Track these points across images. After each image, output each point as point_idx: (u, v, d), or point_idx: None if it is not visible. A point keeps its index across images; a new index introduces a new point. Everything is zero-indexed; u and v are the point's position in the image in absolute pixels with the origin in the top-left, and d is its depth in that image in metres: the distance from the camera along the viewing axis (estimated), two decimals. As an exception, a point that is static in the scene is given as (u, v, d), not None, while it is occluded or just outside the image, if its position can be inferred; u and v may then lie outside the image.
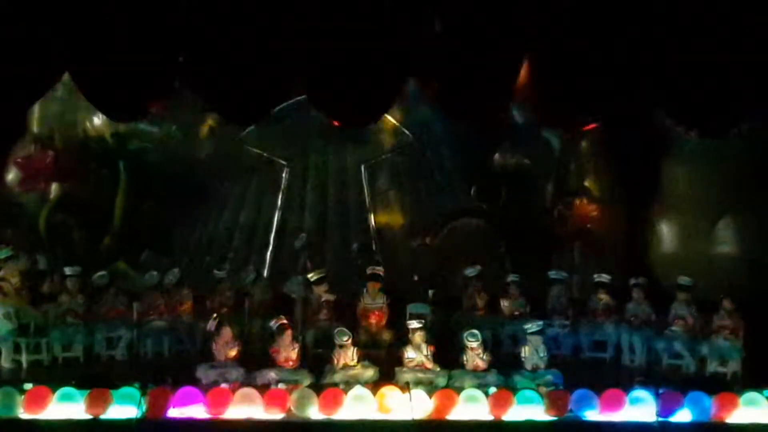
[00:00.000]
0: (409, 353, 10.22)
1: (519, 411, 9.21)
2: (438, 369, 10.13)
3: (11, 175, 15.74)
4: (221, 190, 16.43)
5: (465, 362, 10.12)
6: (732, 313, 11.67)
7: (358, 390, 9.35)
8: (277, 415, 9.17)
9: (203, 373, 10.03)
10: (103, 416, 9.01)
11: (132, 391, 9.11)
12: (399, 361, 10.30)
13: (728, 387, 10.05)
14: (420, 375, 9.96)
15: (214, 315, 11.23)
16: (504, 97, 12.10)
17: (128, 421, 8.92)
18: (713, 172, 14.70)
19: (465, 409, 9.20)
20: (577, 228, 16.10)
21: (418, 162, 16.51)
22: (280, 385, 9.69)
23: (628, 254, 15.46)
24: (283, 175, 16.37)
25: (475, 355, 10.11)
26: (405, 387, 9.43)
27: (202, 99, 12.56)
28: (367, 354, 10.97)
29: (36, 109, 15.60)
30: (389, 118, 15.76)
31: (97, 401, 9.04)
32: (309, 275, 13.18)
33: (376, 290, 12.49)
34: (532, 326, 10.48)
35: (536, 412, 9.22)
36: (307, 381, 9.87)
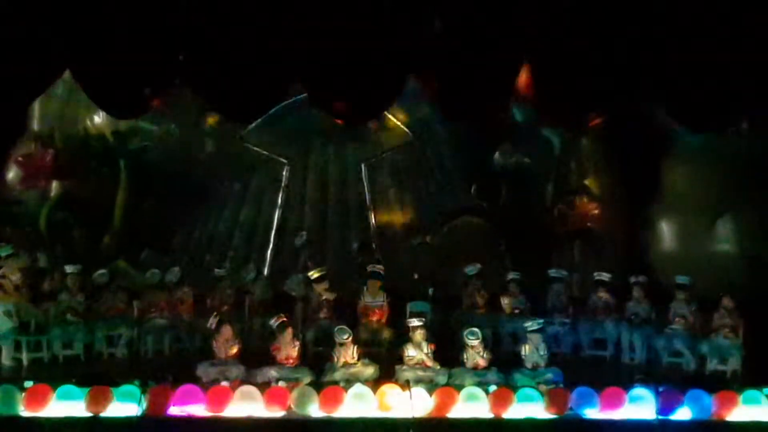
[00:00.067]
0: (410, 351, 10.22)
1: (519, 409, 9.21)
2: (438, 367, 10.12)
3: (12, 174, 15.75)
4: (222, 188, 16.43)
5: (465, 360, 10.12)
6: (732, 311, 11.67)
7: (358, 388, 9.35)
8: (277, 413, 9.17)
9: (204, 371, 10.03)
10: (103, 414, 9.01)
11: (132, 388, 9.10)
12: (399, 359, 10.30)
13: (728, 385, 10.05)
14: (420, 373, 9.94)
15: (215, 313, 11.22)
16: (504, 96, 12.12)
17: (129, 418, 8.93)
18: (712, 171, 14.71)
19: (465, 407, 9.20)
20: (577, 226, 16.10)
21: (419, 161, 16.52)
22: (281, 383, 9.70)
23: (628, 252, 15.46)
24: (284, 173, 16.38)
25: (475, 353, 10.11)
26: (405, 385, 9.42)
27: (202, 97, 12.56)
28: (367, 352, 11.00)
29: (36, 108, 15.62)
30: (390, 116, 15.77)
31: (98, 399, 9.03)
32: (309, 273, 13.17)
33: (377, 288, 12.46)
34: (532, 324, 10.48)
35: (536, 410, 9.22)
36: (307, 379, 9.87)
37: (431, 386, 9.56)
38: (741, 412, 9.28)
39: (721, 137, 13.78)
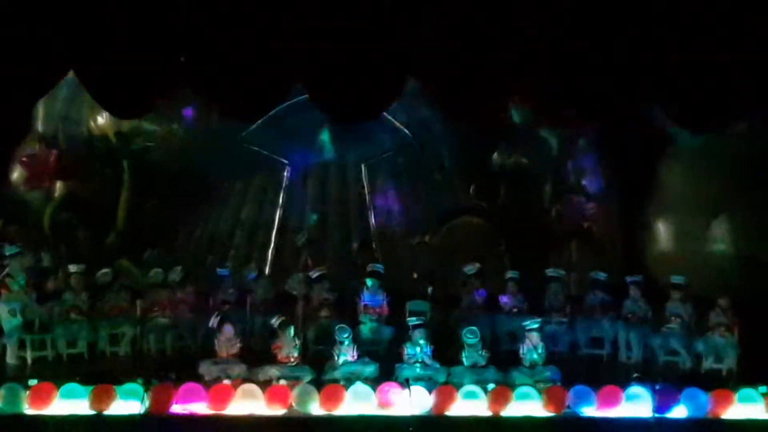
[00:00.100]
0: (409, 350, 10.22)
1: (517, 407, 9.20)
2: (437, 365, 10.12)
3: (16, 174, 15.77)
4: (223, 188, 16.42)
5: (464, 359, 10.12)
6: (727, 310, 11.67)
7: (358, 386, 9.35)
8: (278, 411, 9.17)
9: (206, 369, 10.04)
10: (106, 412, 9.01)
11: (135, 387, 9.10)
12: (399, 358, 10.29)
13: (724, 383, 10.05)
14: (419, 371, 9.95)
15: (217, 312, 11.24)
16: (503, 97, 12.06)
17: (132, 416, 8.93)
18: (708, 172, 14.71)
19: (464, 405, 9.20)
20: (575, 226, 16.10)
21: (418, 161, 16.51)
22: (282, 382, 9.69)
23: (625, 252, 15.48)
24: (285, 173, 16.38)
25: (473, 352, 10.11)
26: (405, 383, 9.43)
27: (203, 98, 12.55)
28: (367, 351, 11.00)
29: (41, 109, 15.65)
30: (389, 117, 15.76)
31: (101, 397, 9.03)
32: (310, 273, 13.20)
33: (377, 287, 12.49)
34: (530, 323, 10.48)
35: (534, 408, 9.22)
36: (308, 377, 9.87)
37: (430, 384, 9.55)
38: (736, 410, 9.26)
39: (717, 138, 13.78)
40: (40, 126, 15.83)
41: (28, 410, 9.02)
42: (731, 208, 14.59)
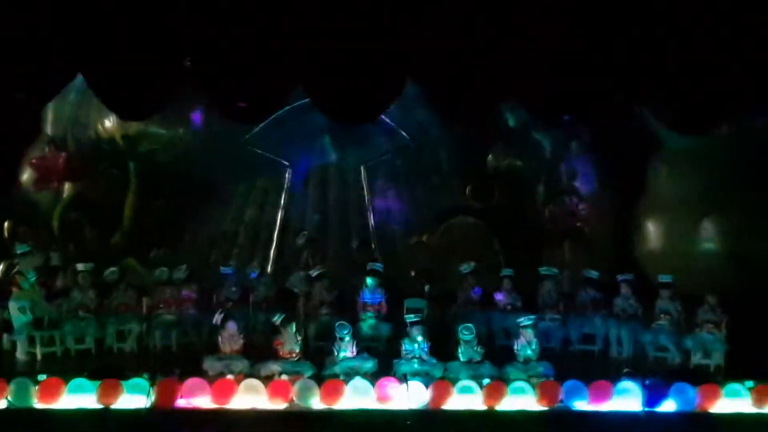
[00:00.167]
0: (407, 346, 10.22)
1: (511, 401, 9.22)
2: (434, 361, 10.11)
3: (26, 176, 15.76)
4: (227, 190, 16.41)
5: (460, 355, 10.12)
6: (715, 307, 11.66)
7: (357, 381, 9.35)
8: (280, 405, 9.17)
9: (209, 364, 10.03)
10: (113, 406, 9.02)
11: (141, 382, 9.11)
12: (397, 354, 10.29)
13: (712, 378, 10.06)
14: (417, 367, 9.95)
15: (220, 309, 11.24)
16: (501, 99, 11.93)
17: (138, 410, 8.94)
18: (698, 173, 14.70)
19: (460, 400, 9.21)
20: (567, 226, 16.10)
21: (416, 163, 16.50)
22: (283, 377, 9.71)
23: (617, 251, 15.46)
24: (286, 175, 16.37)
25: (469, 348, 10.10)
26: (403, 378, 9.43)
27: (207, 100, 12.52)
28: (366, 346, 10.99)
29: (50, 113, 15.65)
30: (388, 120, 15.76)
31: (108, 391, 9.04)
32: (311, 271, 13.19)
33: (375, 285, 12.48)
34: (524, 320, 10.49)
35: (528, 402, 9.23)
36: (308, 372, 9.87)
37: (427, 379, 9.55)
38: (724, 404, 9.28)
39: (705, 140, 13.76)
40: (49, 129, 15.83)
41: (38, 404, 9.04)
42: (719, 209, 14.58)
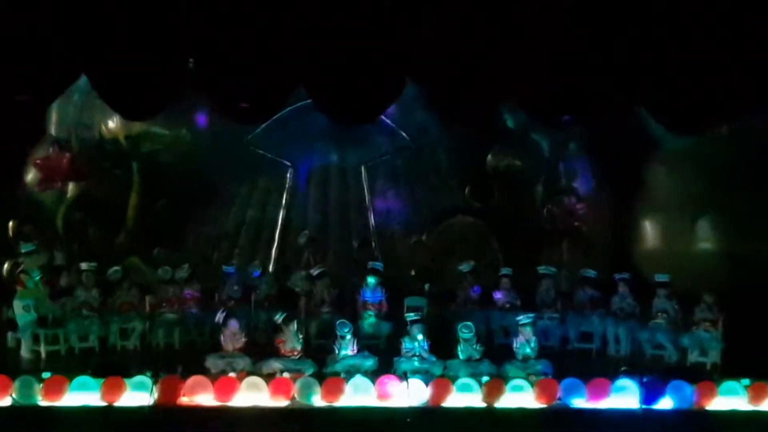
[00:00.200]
0: (407, 344, 10.21)
1: (510, 399, 9.22)
2: (434, 359, 10.10)
3: (31, 176, 15.75)
4: (229, 190, 16.40)
5: (459, 353, 10.11)
6: (712, 306, 11.66)
7: (358, 379, 9.35)
8: (281, 403, 9.17)
9: (212, 362, 10.02)
10: (117, 403, 9.02)
11: (144, 379, 9.12)
12: (397, 352, 10.28)
13: (708, 376, 10.08)
14: (417, 364, 9.94)
15: (222, 308, 11.23)
16: (500, 99, 11.88)
17: (141, 408, 8.94)
18: (694, 173, 14.69)
19: (459, 397, 9.20)
20: (566, 226, 16.09)
21: (416, 163, 16.50)
22: (285, 374, 9.69)
23: (614, 250, 15.44)
24: (288, 175, 16.37)
25: (468, 346, 10.10)
26: (403, 376, 9.43)
27: (209, 101, 12.50)
28: (366, 345, 10.99)
29: (54, 114, 15.63)
30: (388, 121, 15.76)
31: (112, 389, 9.04)
32: (312, 270, 13.19)
33: (376, 284, 12.48)
34: (523, 318, 10.48)
35: (526, 399, 9.23)
36: (310, 370, 9.86)
37: (427, 377, 9.54)
38: (720, 402, 9.29)
39: (702, 141, 13.76)
40: (53, 130, 15.81)
41: (42, 402, 9.04)
42: (715, 209, 14.58)
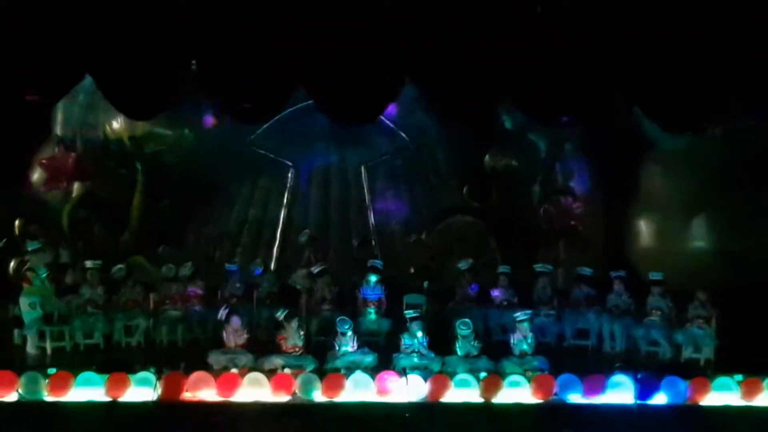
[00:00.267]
0: (406, 340, 10.21)
1: (507, 394, 9.22)
2: (433, 355, 10.10)
3: (36, 175, 15.77)
4: (231, 189, 16.41)
5: (457, 349, 10.12)
6: (705, 303, 11.66)
7: (358, 375, 9.35)
8: (283, 398, 9.17)
9: (214, 359, 10.01)
10: (121, 399, 9.02)
11: (148, 375, 9.11)
12: (396, 348, 10.29)
13: (702, 372, 10.06)
14: (416, 361, 9.93)
15: (225, 305, 11.23)
16: (501, 98, 11.86)
17: (145, 403, 8.94)
18: (688, 173, 14.71)
19: (457, 393, 9.21)
20: (562, 225, 16.10)
21: (415, 163, 16.50)
22: (286, 370, 9.69)
23: (610, 249, 15.47)
24: (289, 175, 16.37)
25: (467, 343, 10.10)
26: (402, 372, 9.43)
27: (211, 101, 12.48)
28: (366, 341, 10.99)
29: (59, 114, 15.64)
30: (387, 122, 15.76)
31: (116, 385, 9.05)
32: (313, 268, 13.19)
33: (376, 282, 12.48)
34: (520, 315, 10.48)
35: (523, 395, 9.23)
36: (311, 366, 9.86)
37: (426, 373, 9.55)
38: (714, 397, 9.29)
39: (697, 140, 13.78)
40: (59, 130, 15.82)
41: (48, 397, 9.04)
42: (709, 207, 14.60)
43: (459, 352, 10.07)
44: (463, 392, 9.20)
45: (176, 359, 9.88)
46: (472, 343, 10.11)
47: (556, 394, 9.27)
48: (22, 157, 15.53)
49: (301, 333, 10.29)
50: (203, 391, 9.14)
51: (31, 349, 11.62)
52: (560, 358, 10.84)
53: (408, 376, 9.24)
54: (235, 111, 11.78)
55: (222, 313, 10.52)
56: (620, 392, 9.24)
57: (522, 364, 9.90)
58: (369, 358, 10.10)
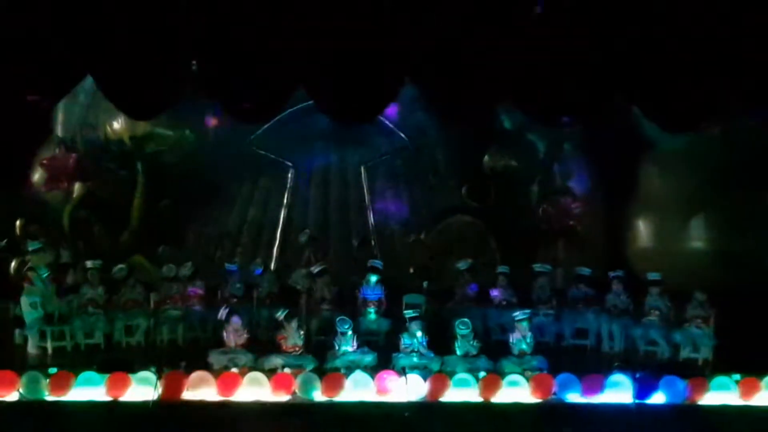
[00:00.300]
0: (405, 340, 10.22)
1: (506, 394, 9.23)
2: (432, 355, 10.11)
3: (37, 176, 15.76)
4: (231, 189, 16.41)
5: (457, 349, 10.12)
6: (704, 303, 11.67)
7: (358, 374, 9.36)
8: (282, 398, 9.18)
9: (215, 358, 10.02)
10: (122, 398, 9.04)
11: (149, 375, 9.12)
12: (396, 348, 10.29)
13: (700, 372, 10.09)
14: (415, 360, 9.94)
15: (225, 305, 11.24)
16: (500, 98, 11.84)
17: (145, 402, 8.94)
18: (686, 173, 14.71)
19: (457, 392, 9.22)
20: (561, 225, 16.10)
21: (414, 163, 16.50)
22: (286, 370, 9.70)
23: (608, 248, 15.47)
24: (289, 175, 16.37)
25: (466, 342, 10.10)
26: (401, 371, 9.44)
27: (211, 101, 12.47)
28: (366, 341, 11.00)
29: (60, 115, 15.64)
30: (387, 122, 15.76)
31: (117, 384, 9.07)
32: (312, 268, 13.19)
33: (375, 282, 12.48)
34: (519, 314, 10.48)
35: (522, 394, 9.24)
36: (310, 366, 9.87)
37: (425, 373, 9.56)
38: (711, 396, 9.31)
39: (695, 140, 13.77)
40: (59, 131, 15.82)
41: (49, 397, 9.06)
42: (708, 207, 14.60)
43: (458, 352, 10.08)
44: (463, 392, 9.22)
45: (176, 359, 9.88)
46: (472, 342, 10.13)
47: (554, 394, 9.29)
48: (22, 158, 15.53)
49: (301, 333, 10.30)
50: (203, 390, 9.15)
51: (31, 348, 11.62)
52: (559, 357, 10.85)
53: (407, 375, 9.25)
54: (235, 111, 11.76)
55: (222, 313, 10.52)
56: (619, 392, 9.26)
57: (521, 364, 9.91)
58: (369, 358, 10.12)
